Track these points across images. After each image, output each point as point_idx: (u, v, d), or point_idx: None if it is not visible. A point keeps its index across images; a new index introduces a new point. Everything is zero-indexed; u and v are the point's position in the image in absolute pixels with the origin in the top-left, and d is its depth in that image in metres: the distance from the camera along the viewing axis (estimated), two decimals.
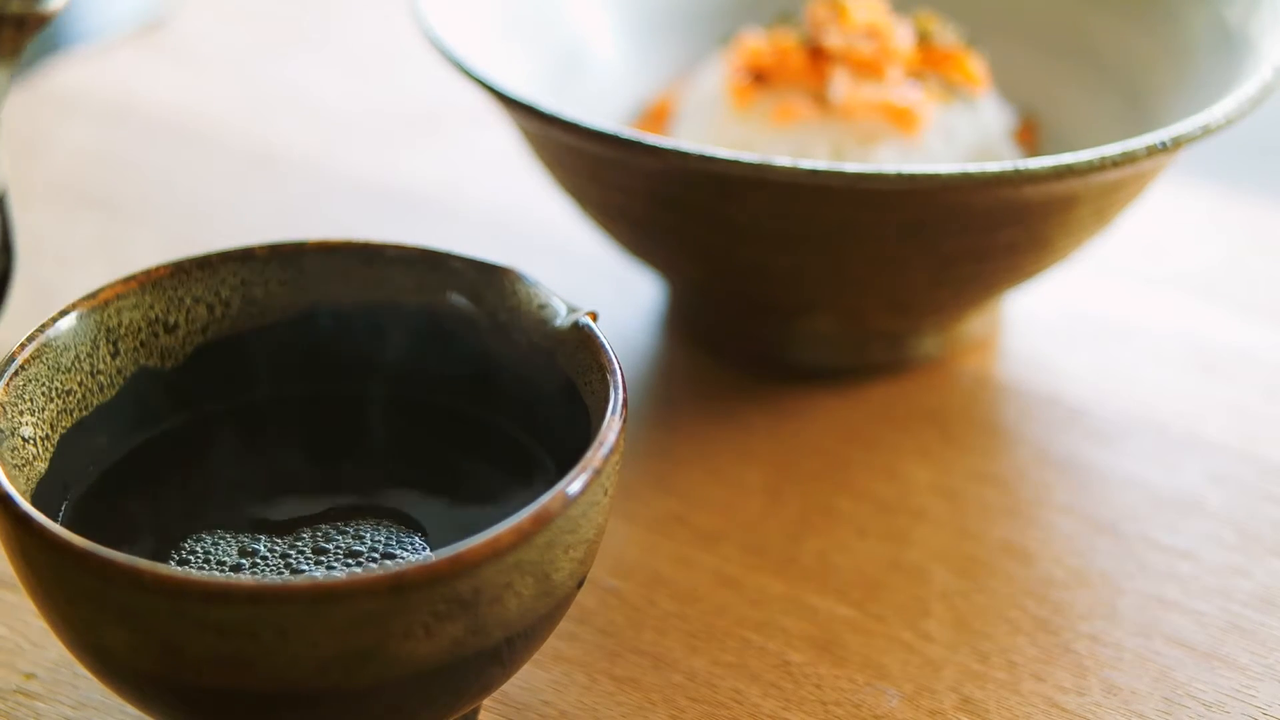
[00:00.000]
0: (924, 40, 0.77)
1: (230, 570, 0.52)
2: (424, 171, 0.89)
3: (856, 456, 0.69)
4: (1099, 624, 0.61)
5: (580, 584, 0.50)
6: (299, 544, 0.53)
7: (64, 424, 0.53)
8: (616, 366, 0.52)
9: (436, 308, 0.57)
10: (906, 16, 0.79)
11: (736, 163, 0.61)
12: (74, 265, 0.81)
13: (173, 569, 0.45)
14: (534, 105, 0.65)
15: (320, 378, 0.58)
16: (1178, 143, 0.63)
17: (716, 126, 0.75)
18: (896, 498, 0.67)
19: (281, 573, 0.52)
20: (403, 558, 0.52)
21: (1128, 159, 0.62)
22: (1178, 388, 0.73)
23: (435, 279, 0.57)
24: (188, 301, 0.56)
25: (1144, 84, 0.77)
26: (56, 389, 0.53)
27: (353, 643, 0.45)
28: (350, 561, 0.52)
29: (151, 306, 0.56)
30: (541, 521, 0.46)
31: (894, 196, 0.63)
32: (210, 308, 0.57)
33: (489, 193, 0.87)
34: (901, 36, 0.76)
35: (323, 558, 0.52)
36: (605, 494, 0.49)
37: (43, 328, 0.53)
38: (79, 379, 0.54)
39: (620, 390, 0.51)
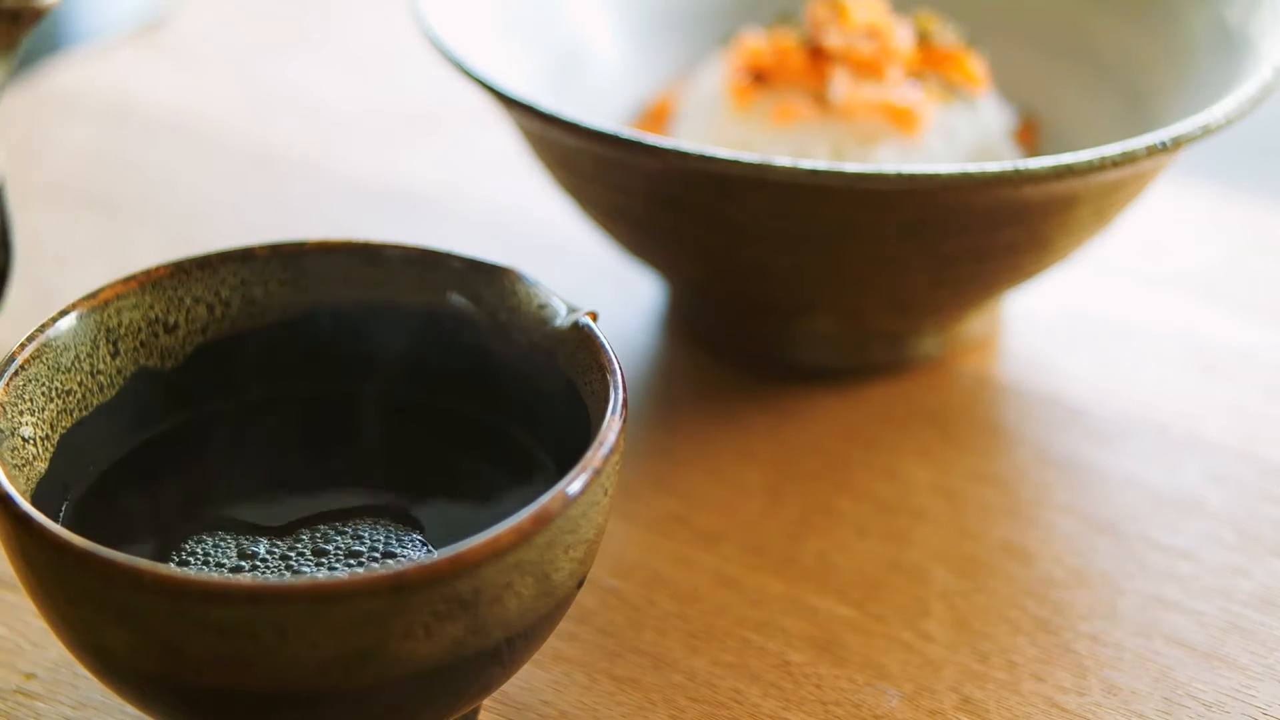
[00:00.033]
0: (924, 40, 0.77)
1: (230, 572, 0.52)
2: (424, 171, 0.89)
3: (856, 456, 0.69)
4: (1099, 624, 0.61)
5: (580, 584, 0.50)
6: (298, 545, 0.53)
7: (64, 424, 0.53)
8: (616, 366, 0.52)
9: (436, 308, 0.57)
10: (906, 16, 0.79)
11: (736, 163, 0.61)
12: (74, 265, 0.81)
13: (173, 569, 0.45)
14: (534, 105, 0.65)
15: (320, 378, 0.58)
16: (1178, 143, 0.63)
17: (716, 126, 0.75)
18: (896, 498, 0.67)
19: (281, 574, 0.52)
20: (403, 558, 0.52)
21: (1128, 159, 0.62)
22: (1178, 388, 0.73)
23: (435, 279, 0.57)
24: (188, 301, 0.56)
25: (1144, 84, 0.77)
26: (56, 389, 0.53)
27: (353, 643, 0.45)
28: (350, 562, 0.52)
29: (151, 306, 0.56)
30: (541, 521, 0.46)
31: (894, 196, 0.63)
32: (210, 308, 0.57)
33: (489, 193, 0.87)
34: (901, 36, 0.76)
35: (323, 559, 0.52)
36: (605, 494, 0.49)
37: (43, 328, 0.53)
38: (79, 379, 0.54)
39: (620, 390, 0.51)
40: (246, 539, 0.53)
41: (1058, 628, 0.61)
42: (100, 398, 0.54)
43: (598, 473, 0.48)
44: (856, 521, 0.66)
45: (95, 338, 0.54)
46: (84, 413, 0.54)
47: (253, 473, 0.56)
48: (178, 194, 0.87)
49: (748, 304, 0.72)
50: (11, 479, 0.48)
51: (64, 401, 0.53)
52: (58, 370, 0.53)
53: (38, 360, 0.52)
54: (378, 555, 0.52)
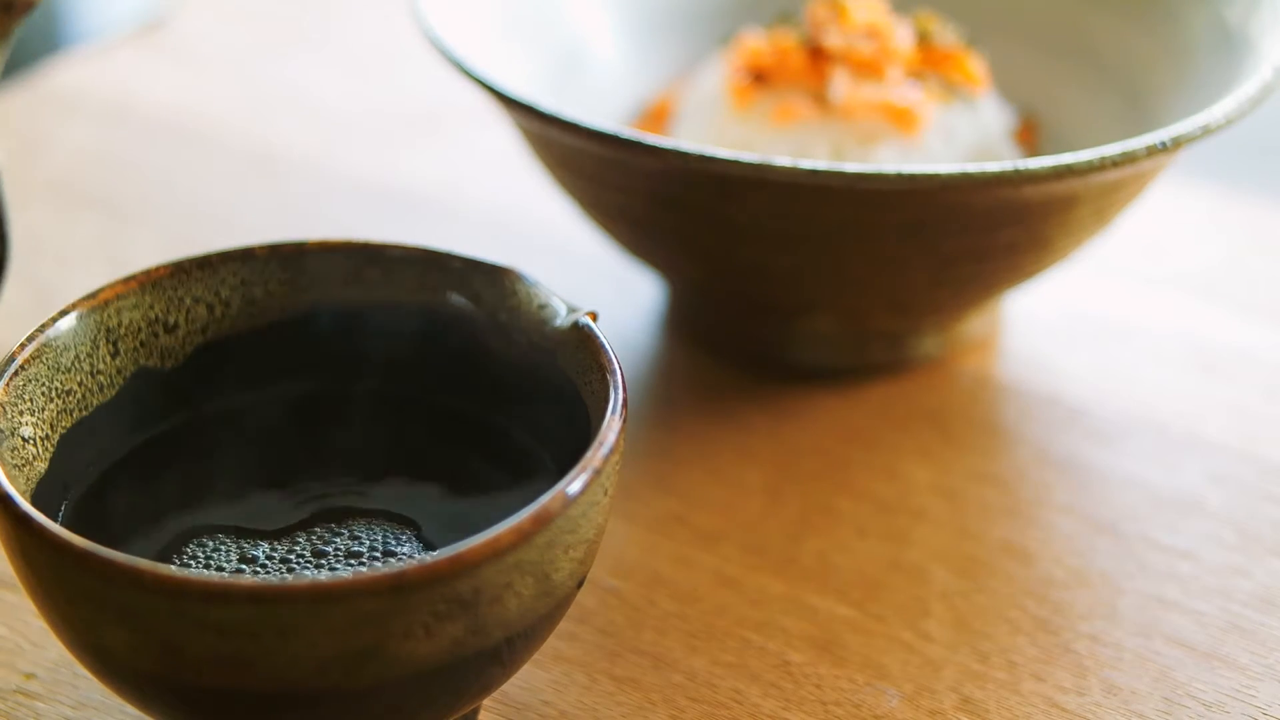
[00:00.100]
0: (924, 40, 0.77)
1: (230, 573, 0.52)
2: (424, 171, 0.89)
3: (856, 456, 0.69)
4: (1099, 624, 0.61)
5: (580, 584, 0.50)
6: (298, 545, 0.53)
7: (64, 424, 0.53)
8: (616, 366, 0.52)
9: (436, 308, 0.57)
10: (906, 16, 0.79)
11: (736, 163, 0.61)
12: (74, 265, 0.81)
13: (173, 569, 0.45)
14: (534, 105, 0.65)
15: (320, 378, 0.58)
16: (1178, 143, 0.63)
17: (716, 126, 0.75)
18: (896, 498, 0.67)
19: (282, 575, 0.52)
20: (403, 558, 0.52)
21: (1128, 159, 0.62)
22: (1178, 388, 0.73)
23: (435, 279, 0.57)
24: (188, 301, 0.56)
25: (1144, 84, 0.77)
26: (56, 389, 0.53)
27: (353, 643, 0.45)
28: (350, 562, 0.52)
29: (151, 306, 0.56)
30: (541, 521, 0.46)
31: (894, 196, 0.63)
32: (210, 308, 0.57)
33: (489, 193, 0.87)
34: (901, 36, 0.76)
35: (323, 560, 0.52)
36: (605, 494, 0.49)
37: (43, 328, 0.53)
38: (79, 379, 0.54)
39: (620, 390, 0.51)
40: (247, 543, 0.53)
41: (1058, 628, 0.61)
42: (100, 398, 0.54)
43: (598, 473, 0.48)
44: (856, 521, 0.66)
45: (95, 338, 0.54)
46: (84, 413, 0.54)
47: (252, 473, 0.56)
48: (178, 194, 0.87)
49: (748, 304, 0.72)
50: (11, 479, 0.48)
51: (64, 401, 0.53)
52: (58, 370, 0.53)
53: (38, 360, 0.52)
54: (378, 555, 0.52)
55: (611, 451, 0.49)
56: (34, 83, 0.96)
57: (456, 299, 0.56)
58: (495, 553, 0.45)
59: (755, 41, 0.76)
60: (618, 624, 0.61)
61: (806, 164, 0.61)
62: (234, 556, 0.52)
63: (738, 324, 0.74)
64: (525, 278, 0.56)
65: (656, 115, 0.81)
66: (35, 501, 0.50)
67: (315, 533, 0.53)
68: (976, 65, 0.77)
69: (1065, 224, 0.66)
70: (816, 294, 0.69)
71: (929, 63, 0.76)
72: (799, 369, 0.73)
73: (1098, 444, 0.70)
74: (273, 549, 0.53)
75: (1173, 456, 0.69)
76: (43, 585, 0.47)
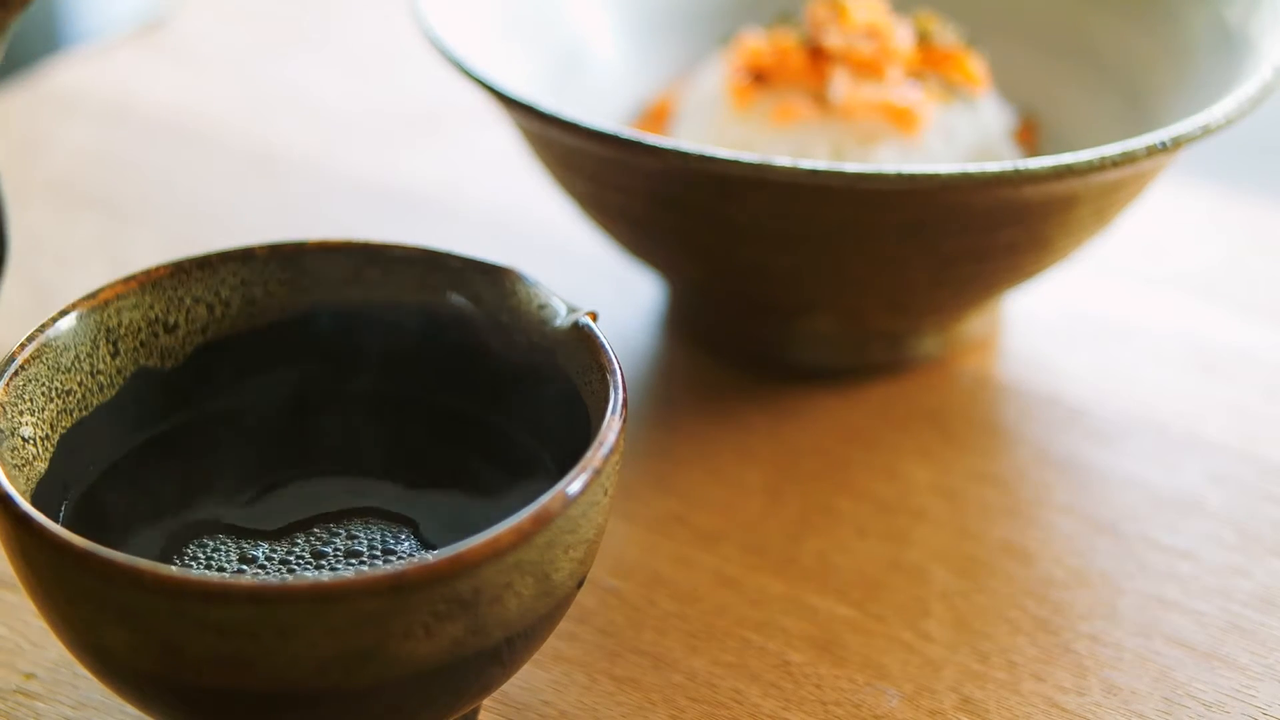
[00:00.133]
0: (924, 40, 0.77)
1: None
2: (424, 171, 0.89)
3: (856, 456, 0.69)
4: (1099, 624, 0.61)
5: (580, 584, 0.50)
6: (298, 546, 0.53)
7: (64, 424, 0.53)
8: (616, 366, 0.52)
9: (436, 308, 0.57)
10: (906, 16, 0.79)
11: (736, 163, 0.61)
12: (74, 265, 0.81)
13: (173, 569, 0.45)
14: (534, 105, 0.65)
15: (320, 378, 0.58)
16: (1178, 143, 0.63)
17: (716, 126, 0.75)
18: (896, 498, 0.67)
19: (282, 574, 0.52)
20: (403, 558, 0.52)
21: (1128, 159, 0.62)
22: (1178, 388, 0.73)
23: (435, 279, 0.57)
24: (188, 301, 0.56)
25: (1144, 84, 0.77)
26: (56, 389, 0.53)
27: (353, 643, 0.45)
28: (350, 562, 0.52)
29: (151, 306, 0.56)
30: (541, 521, 0.46)
31: (894, 196, 0.63)
32: (210, 308, 0.57)
33: (489, 193, 0.87)
34: (901, 36, 0.76)
35: (324, 561, 0.52)
36: (605, 494, 0.49)
37: (43, 328, 0.53)
38: (79, 379, 0.54)
39: (620, 390, 0.51)
40: (247, 542, 0.53)
41: (1058, 628, 0.61)
42: (100, 398, 0.54)
43: (598, 473, 0.48)
44: (856, 521, 0.66)
45: (95, 338, 0.54)
46: (84, 413, 0.54)
47: (252, 473, 0.56)
48: (178, 194, 0.87)
49: (748, 304, 0.72)
50: (11, 479, 0.48)
51: (64, 401, 0.53)
52: (58, 370, 0.53)
53: (38, 360, 0.52)
54: (377, 555, 0.52)
55: (611, 451, 0.49)
56: (34, 83, 0.96)
57: (456, 299, 0.56)
58: (495, 553, 0.45)
59: (755, 41, 0.76)
60: (618, 624, 0.61)
61: (806, 164, 0.61)
62: (234, 557, 0.52)
63: (738, 324, 0.74)
64: (525, 278, 0.56)
65: (656, 115, 0.81)
66: (35, 501, 0.50)
67: (315, 533, 0.53)
68: (976, 65, 0.77)
69: (1065, 224, 0.66)
70: (816, 294, 0.69)
71: (929, 63, 0.76)
72: (799, 369, 0.73)
73: (1098, 444, 0.70)
74: (273, 549, 0.53)
75: (1173, 456, 0.69)
76: (43, 585, 0.47)
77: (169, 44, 1.01)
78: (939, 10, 0.82)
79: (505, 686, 0.57)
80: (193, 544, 0.52)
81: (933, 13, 0.81)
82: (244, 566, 0.52)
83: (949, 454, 0.69)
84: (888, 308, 0.70)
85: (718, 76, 0.77)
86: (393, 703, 0.47)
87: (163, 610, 0.44)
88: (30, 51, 1.15)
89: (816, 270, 0.67)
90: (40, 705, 0.57)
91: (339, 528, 0.53)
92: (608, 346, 0.53)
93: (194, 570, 0.51)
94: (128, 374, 0.55)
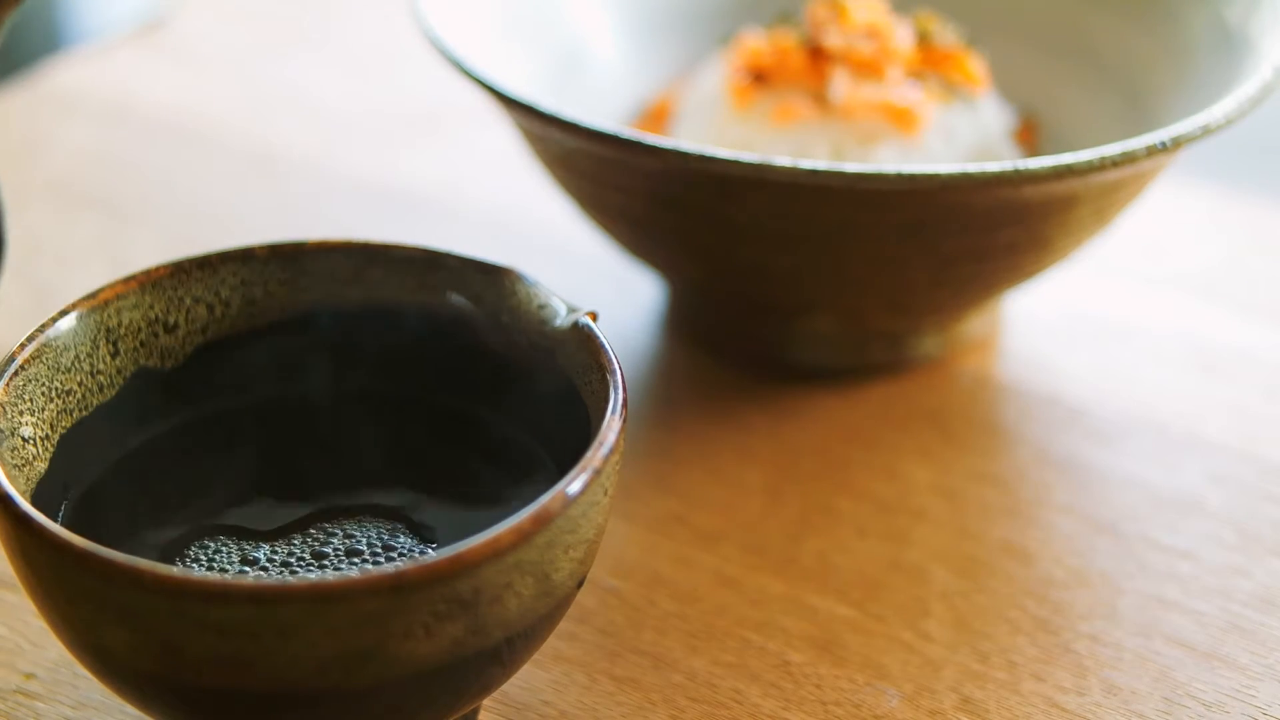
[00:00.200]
0: (924, 40, 0.77)
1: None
2: (424, 171, 0.89)
3: (856, 456, 0.69)
4: (1099, 624, 0.61)
5: (580, 584, 0.50)
6: (298, 545, 0.53)
7: (64, 424, 0.53)
8: (616, 366, 0.52)
9: (436, 308, 0.57)
10: (906, 16, 0.79)
11: (736, 163, 0.61)
12: (74, 265, 0.81)
13: (173, 569, 0.45)
14: (534, 105, 0.65)
15: (320, 378, 0.58)
16: (1178, 143, 0.63)
17: (716, 126, 0.75)
18: (896, 498, 0.67)
19: (282, 574, 0.52)
20: (403, 558, 0.52)
21: (1128, 159, 0.62)
22: (1178, 388, 0.73)
23: (435, 279, 0.57)
24: (188, 301, 0.56)
25: (1144, 84, 0.77)
26: (56, 389, 0.53)
27: (353, 643, 0.45)
28: (351, 561, 0.52)
29: (151, 306, 0.56)
30: (541, 521, 0.46)
31: (894, 196, 0.63)
32: (210, 308, 0.57)
33: (489, 193, 0.87)
34: (901, 36, 0.76)
35: (325, 562, 0.52)
36: (605, 494, 0.49)
37: (43, 328, 0.53)
38: (79, 379, 0.54)
39: (620, 390, 0.51)
40: (248, 543, 0.53)
41: (1058, 628, 0.61)
42: (100, 398, 0.54)
43: (598, 473, 0.48)
44: (856, 521, 0.66)
45: (95, 338, 0.54)
46: (84, 413, 0.54)
47: (252, 473, 0.56)
48: (178, 194, 0.87)
49: (748, 304, 0.72)
50: (11, 479, 0.48)
51: (64, 401, 0.53)
52: (58, 370, 0.53)
53: (38, 360, 0.52)
54: (378, 555, 0.52)
55: (611, 451, 0.49)
56: (34, 83, 0.96)
57: (456, 299, 0.56)
58: (495, 553, 0.45)
59: (755, 41, 0.76)
60: (618, 624, 0.61)
61: (806, 164, 0.61)
62: (235, 559, 0.52)
63: (738, 324, 0.74)
64: (525, 278, 0.56)
65: (656, 115, 0.81)
66: (35, 501, 0.50)
67: (315, 533, 0.53)
68: (976, 65, 0.77)
69: (1065, 224, 0.66)
70: (816, 294, 0.69)
71: (929, 63, 0.76)
72: (799, 369, 0.73)
73: (1098, 444, 0.70)
74: (273, 550, 0.53)
75: (1173, 456, 0.69)
76: (43, 585, 0.47)
77: (169, 44, 1.01)
78: (939, 10, 0.82)
79: (505, 686, 0.57)
80: (194, 546, 0.52)
81: (933, 13, 0.81)
82: (245, 569, 0.52)
83: (949, 454, 0.69)
84: (888, 308, 0.70)
85: (718, 76, 0.77)
86: (393, 703, 0.47)
87: (163, 610, 0.44)
88: (30, 51, 1.15)
89: (816, 270, 0.67)
90: (40, 705, 0.57)
91: (339, 528, 0.53)
92: (608, 346, 0.53)
93: (195, 571, 0.51)
94: (128, 374, 0.55)
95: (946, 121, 0.75)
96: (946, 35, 0.77)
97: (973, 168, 0.61)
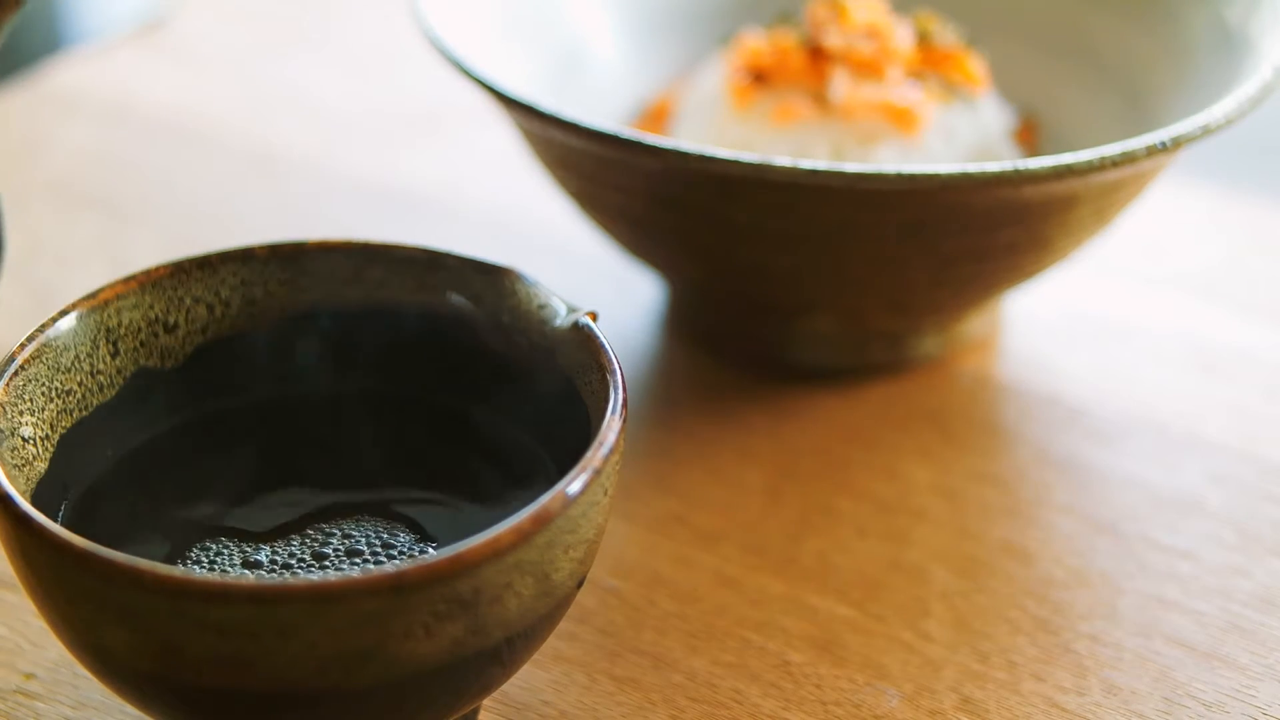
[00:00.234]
0: (924, 40, 0.77)
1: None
2: (424, 171, 0.89)
3: (856, 456, 0.69)
4: (1099, 624, 0.61)
5: (580, 584, 0.50)
6: (298, 547, 0.53)
7: (64, 424, 0.53)
8: (616, 366, 0.52)
9: (436, 308, 0.57)
10: (906, 16, 0.79)
11: (736, 163, 0.61)
12: (74, 265, 0.81)
13: (173, 569, 0.45)
14: (534, 105, 0.65)
15: (320, 378, 0.58)
16: (1178, 143, 0.63)
17: (716, 126, 0.75)
18: (896, 498, 0.67)
19: (282, 574, 0.52)
20: (402, 558, 0.52)
21: (1128, 159, 0.62)
22: (1178, 388, 0.73)
23: (435, 279, 0.57)
24: (188, 301, 0.56)
25: (1144, 84, 0.77)
26: (56, 389, 0.53)
27: (353, 643, 0.45)
28: (353, 561, 0.52)
29: (151, 306, 0.56)
30: (541, 521, 0.46)
31: (894, 196, 0.63)
32: (210, 308, 0.57)
33: (489, 193, 0.87)
34: (901, 36, 0.76)
35: (326, 563, 0.52)
36: (605, 494, 0.49)
37: (43, 328, 0.53)
38: (79, 379, 0.54)
39: (620, 390, 0.51)
40: (249, 546, 0.53)
41: (1058, 628, 0.61)
42: (100, 398, 0.54)
43: (598, 473, 0.48)
44: (856, 521, 0.66)
45: (95, 338, 0.54)
46: (84, 413, 0.54)
47: (252, 472, 0.56)
48: (178, 194, 0.87)
49: (748, 304, 0.72)
50: (11, 479, 0.48)
51: (64, 401, 0.53)
52: (58, 370, 0.53)
53: (38, 360, 0.52)
54: (378, 555, 0.52)
55: (611, 451, 0.49)
56: (34, 83, 0.96)
57: (456, 299, 0.56)
58: (495, 553, 0.45)
59: (755, 41, 0.76)
60: (618, 624, 0.61)
61: (806, 164, 0.61)
62: (236, 561, 0.52)
63: (738, 324, 0.74)
64: (525, 278, 0.56)
65: (656, 115, 0.81)
66: (35, 501, 0.50)
67: (315, 533, 0.53)
68: (976, 65, 0.77)
69: (1065, 224, 0.66)
70: (816, 294, 0.69)
71: (929, 63, 0.76)
72: (799, 369, 0.73)
73: (1098, 444, 0.70)
74: (274, 551, 0.53)
75: (1173, 456, 0.69)
76: (43, 585, 0.47)
77: (169, 44, 1.01)
78: (939, 10, 0.82)
79: (505, 686, 0.57)
80: (196, 549, 0.52)
81: (933, 13, 0.81)
82: (246, 571, 0.52)
83: (949, 454, 0.69)
84: (888, 308, 0.70)
85: (718, 76, 0.77)
86: (393, 703, 0.47)
87: (163, 610, 0.44)
88: (30, 51, 1.15)
89: (816, 270, 0.67)
90: (40, 705, 0.57)
91: (339, 528, 0.53)
92: (608, 346, 0.53)
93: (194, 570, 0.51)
94: (128, 374, 0.55)
95: (946, 121, 0.75)
96: (946, 35, 0.77)
97: (973, 168, 0.61)
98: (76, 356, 0.54)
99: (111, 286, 0.55)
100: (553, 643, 0.59)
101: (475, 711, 0.54)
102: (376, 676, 0.46)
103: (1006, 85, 0.81)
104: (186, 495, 0.55)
